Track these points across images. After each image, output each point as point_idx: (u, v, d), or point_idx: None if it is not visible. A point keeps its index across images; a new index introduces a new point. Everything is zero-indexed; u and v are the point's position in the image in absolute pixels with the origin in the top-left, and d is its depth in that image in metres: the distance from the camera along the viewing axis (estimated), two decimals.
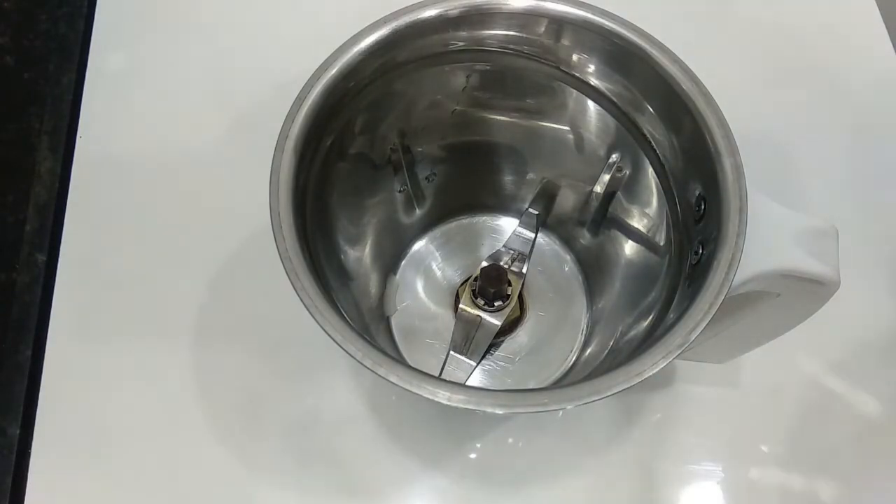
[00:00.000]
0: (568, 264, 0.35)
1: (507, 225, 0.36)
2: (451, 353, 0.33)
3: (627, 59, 0.27)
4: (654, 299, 0.28)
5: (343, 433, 0.32)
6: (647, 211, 0.30)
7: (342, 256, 0.30)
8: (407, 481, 0.32)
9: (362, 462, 0.32)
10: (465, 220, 0.36)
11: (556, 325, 0.34)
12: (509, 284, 0.32)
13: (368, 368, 0.22)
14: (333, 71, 0.26)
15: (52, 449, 0.32)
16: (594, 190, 0.32)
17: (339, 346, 0.22)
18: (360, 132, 0.29)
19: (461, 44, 0.28)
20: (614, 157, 0.31)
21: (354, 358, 0.22)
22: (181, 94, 0.40)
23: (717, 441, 0.33)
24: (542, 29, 0.28)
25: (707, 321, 0.22)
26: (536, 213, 0.35)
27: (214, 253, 0.35)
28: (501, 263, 0.33)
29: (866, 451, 0.33)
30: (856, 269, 0.34)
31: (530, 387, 0.33)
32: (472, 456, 0.32)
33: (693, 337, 0.22)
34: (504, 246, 0.35)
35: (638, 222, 0.31)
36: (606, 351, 0.31)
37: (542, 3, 0.27)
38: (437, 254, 0.36)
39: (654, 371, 0.22)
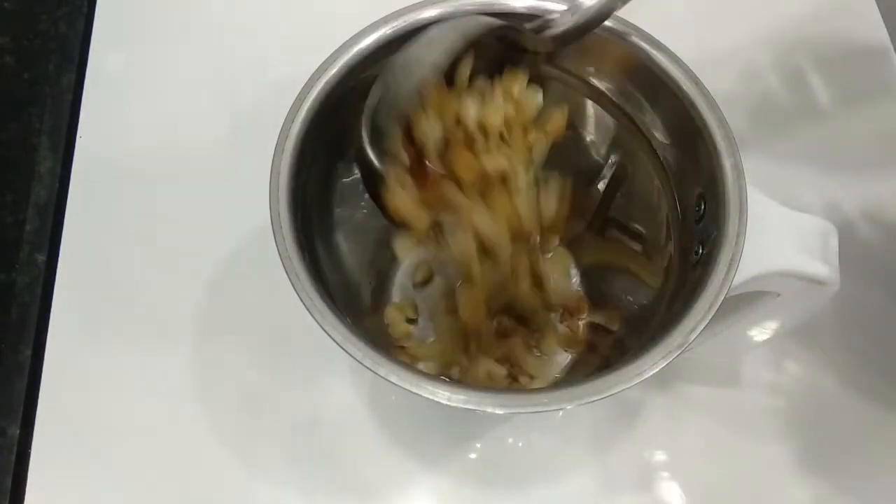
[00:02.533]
0: None
1: None
2: None
3: (627, 59, 0.27)
4: (654, 299, 0.29)
5: (343, 433, 0.32)
6: (647, 211, 0.30)
7: (342, 256, 0.30)
8: (407, 481, 0.32)
9: (362, 462, 0.32)
10: None
11: None
12: None
13: (368, 368, 0.22)
14: (333, 71, 0.26)
15: (52, 449, 0.32)
16: (594, 190, 0.32)
17: (338, 346, 0.22)
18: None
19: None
20: (614, 157, 0.31)
21: (354, 358, 0.22)
22: (181, 94, 0.40)
23: (717, 441, 0.33)
24: None
25: (707, 321, 0.22)
26: None
27: (214, 253, 0.35)
28: None
29: (867, 451, 0.33)
30: (856, 268, 0.34)
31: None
32: (472, 456, 0.32)
33: (693, 337, 0.22)
34: None
35: (638, 222, 0.31)
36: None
37: (542, 4, 0.27)
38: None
39: (654, 371, 0.22)
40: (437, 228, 0.26)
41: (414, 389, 0.22)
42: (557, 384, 0.32)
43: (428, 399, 0.22)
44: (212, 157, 0.38)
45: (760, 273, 0.24)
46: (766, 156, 0.38)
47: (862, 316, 0.35)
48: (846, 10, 0.42)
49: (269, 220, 0.24)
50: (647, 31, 0.26)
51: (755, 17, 0.42)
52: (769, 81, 0.40)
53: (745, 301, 0.27)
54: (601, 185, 0.32)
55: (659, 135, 0.28)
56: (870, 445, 0.33)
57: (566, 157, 0.32)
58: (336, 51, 0.26)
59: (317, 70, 0.26)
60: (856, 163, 0.39)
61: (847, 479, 0.32)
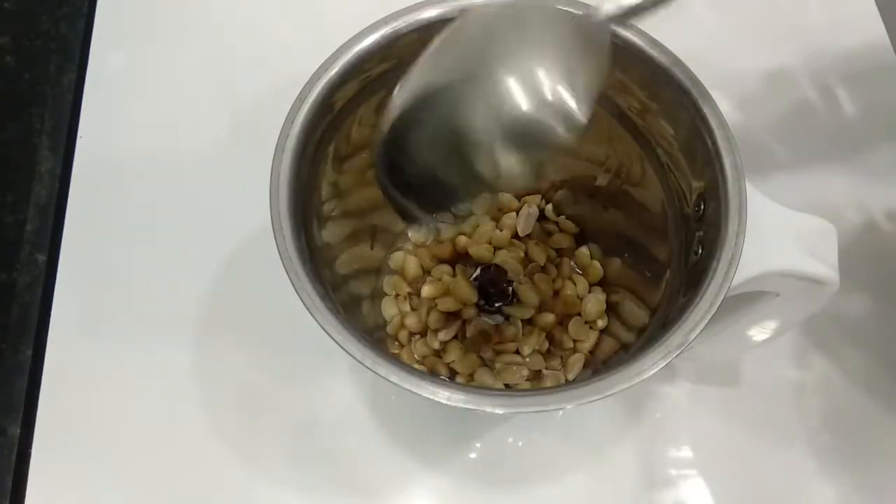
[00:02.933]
0: None
1: None
2: None
3: (627, 59, 0.27)
4: (654, 300, 0.29)
5: (343, 433, 0.32)
6: (647, 211, 0.30)
7: (342, 256, 0.30)
8: (407, 481, 0.32)
9: (362, 462, 0.32)
10: None
11: None
12: (510, 284, 0.32)
13: (368, 368, 0.22)
14: (333, 71, 0.26)
15: (52, 449, 0.32)
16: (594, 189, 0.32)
17: (338, 346, 0.22)
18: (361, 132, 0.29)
19: None
20: (614, 157, 0.31)
21: (354, 357, 0.22)
22: (181, 94, 0.40)
23: (718, 440, 0.33)
24: None
25: (707, 321, 0.22)
26: None
27: (214, 253, 0.35)
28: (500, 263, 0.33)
29: (867, 450, 0.33)
30: (855, 268, 0.34)
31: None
32: (472, 456, 0.32)
33: (693, 337, 0.22)
34: None
35: (638, 223, 0.31)
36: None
37: None
38: None
39: (654, 371, 0.22)
40: None
41: (414, 389, 0.22)
42: (558, 384, 0.32)
43: (428, 399, 0.22)
44: (212, 157, 0.38)
45: (760, 273, 0.24)
46: (765, 154, 0.38)
47: (862, 315, 0.35)
48: (846, 10, 0.42)
49: (269, 220, 0.24)
50: (659, 33, 0.26)
51: (779, 26, 0.42)
52: (767, 81, 0.40)
53: (745, 301, 0.27)
54: (601, 185, 0.32)
55: (659, 134, 0.28)
56: (870, 443, 0.33)
57: (566, 156, 0.32)
58: (336, 51, 0.26)
59: (317, 70, 0.26)
60: (856, 161, 0.39)
61: (847, 476, 0.32)
